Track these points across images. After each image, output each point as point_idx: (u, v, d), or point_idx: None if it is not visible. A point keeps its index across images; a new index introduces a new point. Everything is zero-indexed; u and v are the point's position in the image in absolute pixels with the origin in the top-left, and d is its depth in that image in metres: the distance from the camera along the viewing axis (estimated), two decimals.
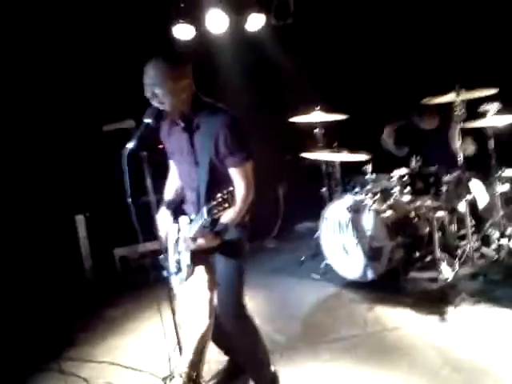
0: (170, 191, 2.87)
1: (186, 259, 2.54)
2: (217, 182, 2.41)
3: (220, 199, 2.11)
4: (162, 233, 2.69)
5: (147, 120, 2.38)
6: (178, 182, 2.83)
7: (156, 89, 2.37)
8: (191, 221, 2.47)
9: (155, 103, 2.41)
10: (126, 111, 4.79)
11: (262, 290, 4.27)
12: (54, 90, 5.06)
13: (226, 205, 2.11)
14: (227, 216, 2.39)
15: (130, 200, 2.32)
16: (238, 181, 2.47)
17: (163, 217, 2.73)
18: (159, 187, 2.78)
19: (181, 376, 1.50)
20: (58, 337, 4.01)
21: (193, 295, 1.55)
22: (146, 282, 4.42)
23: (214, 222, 2.31)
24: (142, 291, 4.53)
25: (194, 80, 2.50)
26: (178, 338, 2.49)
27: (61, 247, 5.01)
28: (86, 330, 4.10)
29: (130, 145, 2.30)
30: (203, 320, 1.51)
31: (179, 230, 2.62)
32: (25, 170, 4.97)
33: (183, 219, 2.58)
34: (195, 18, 5.01)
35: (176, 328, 2.48)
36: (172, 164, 2.86)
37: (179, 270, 2.59)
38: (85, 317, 4.39)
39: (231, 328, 2.60)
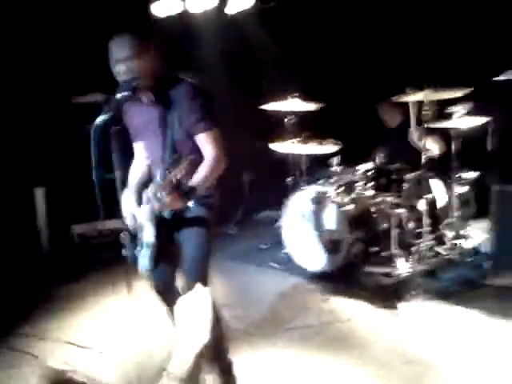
0: (134, 175, 2.80)
1: (148, 235, 2.52)
2: (188, 152, 2.44)
3: (171, 161, 2.20)
4: (126, 215, 2.62)
5: (121, 94, 2.33)
6: (144, 165, 2.78)
7: (130, 62, 2.36)
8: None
9: (127, 78, 2.38)
10: (94, 84, 4.67)
11: (220, 276, 4.27)
12: (22, 59, 4.88)
13: (176, 165, 2.18)
14: (195, 178, 2.41)
15: (95, 175, 2.27)
16: (207, 146, 2.50)
17: (128, 200, 2.65)
18: (125, 165, 2.73)
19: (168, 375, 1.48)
20: (11, 312, 3.92)
21: (193, 311, 1.53)
22: (104, 259, 4.46)
23: (178, 185, 2.28)
24: (100, 269, 4.48)
25: (162, 55, 2.50)
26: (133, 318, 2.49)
27: (18, 220, 4.87)
28: (40, 307, 4.02)
29: (102, 118, 2.24)
30: (203, 336, 1.49)
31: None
32: None
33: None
34: None
35: (131, 308, 2.47)
36: (137, 148, 2.82)
37: (141, 248, 2.56)
38: (40, 293, 4.30)
39: None
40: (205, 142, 2.51)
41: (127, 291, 2.44)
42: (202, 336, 1.49)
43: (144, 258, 2.58)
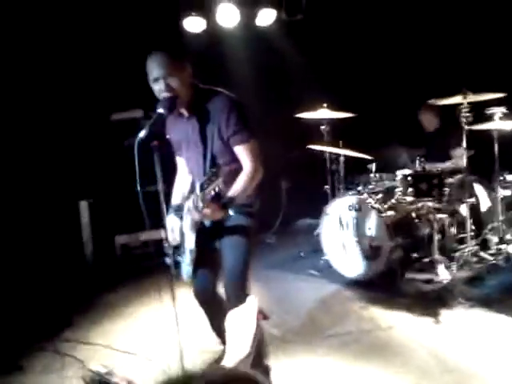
0: (177, 195, 2.86)
1: (190, 242, 2.58)
2: (227, 163, 2.53)
3: (210, 173, 2.22)
4: (170, 238, 2.65)
5: (160, 110, 2.42)
6: (187, 178, 2.85)
7: (167, 80, 2.45)
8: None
9: (166, 95, 2.47)
10: (135, 101, 4.83)
11: (258, 284, 4.27)
12: (64, 78, 5.09)
13: (214, 178, 2.20)
14: (232, 189, 2.47)
15: (139, 187, 2.36)
16: (244, 158, 2.56)
17: (172, 223, 2.70)
18: (167, 178, 2.81)
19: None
20: (55, 319, 4.07)
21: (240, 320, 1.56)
22: (147, 269, 4.58)
23: (217, 196, 2.34)
24: (142, 278, 4.60)
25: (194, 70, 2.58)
26: (177, 324, 2.55)
27: (64, 232, 5.06)
28: (83, 313, 4.16)
29: (142, 133, 2.33)
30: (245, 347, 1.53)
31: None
32: (34, 155, 5.01)
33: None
34: (206, 11, 5.03)
35: (176, 315, 2.54)
36: (180, 162, 2.90)
37: (184, 255, 2.63)
38: (83, 301, 4.45)
39: None
40: (242, 154, 2.57)
41: (170, 298, 2.52)
42: (245, 347, 1.52)
43: (186, 265, 2.65)
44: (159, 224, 2.56)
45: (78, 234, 5.22)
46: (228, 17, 5.06)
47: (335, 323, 3.64)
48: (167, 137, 2.78)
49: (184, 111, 2.63)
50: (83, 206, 5.24)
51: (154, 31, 4.70)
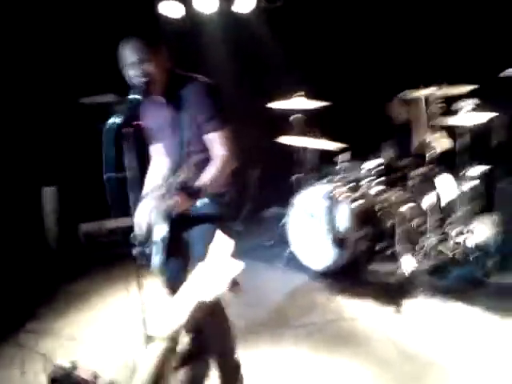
0: (150, 184, 2.80)
1: (160, 231, 2.53)
2: (199, 151, 2.54)
3: (180, 161, 2.27)
4: (138, 227, 2.58)
5: (136, 95, 2.36)
6: (161, 171, 2.79)
7: (141, 66, 2.42)
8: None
9: (141, 80, 2.42)
10: (105, 85, 4.70)
11: None
12: (29, 59, 4.92)
13: (186, 167, 2.24)
14: (202, 178, 2.45)
15: (109, 175, 2.30)
16: (216, 145, 2.55)
17: (142, 212, 2.60)
18: (140, 165, 2.75)
19: (164, 340, 1.49)
20: (18, 309, 3.98)
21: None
22: (114, 257, 4.49)
23: (186, 185, 2.35)
24: (109, 267, 4.53)
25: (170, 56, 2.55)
26: (143, 316, 2.52)
27: (27, 220, 4.92)
28: (46, 304, 4.08)
29: (115, 120, 2.26)
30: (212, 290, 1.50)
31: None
32: None
33: None
34: None
35: (143, 306, 2.51)
36: (153, 150, 2.84)
37: (153, 246, 2.59)
38: (47, 291, 4.36)
39: None
40: (214, 142, 2.55)
41: (137, 289, 2.49)
42: (211, 290, 1.47)
43: (155, 256, 2.62)
44: (127, 212, 2.51)
45: (42, 221, 5.08)
46: (206, 3, 4.96)
47: (300, 314, 3.69)
48: (141, 123, 2.71)
49: (159, 97, 2.59)
50: (47, 192, 5.10)
51: (127, 14, 4.58)
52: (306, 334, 3.39)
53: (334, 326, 3.49)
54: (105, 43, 2.92)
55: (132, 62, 2.42)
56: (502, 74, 4.00)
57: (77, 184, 5.07)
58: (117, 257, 4.10)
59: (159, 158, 2.83)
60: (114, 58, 2.49)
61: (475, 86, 4.12)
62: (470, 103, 4.20)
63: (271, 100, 4.78)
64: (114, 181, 2.28)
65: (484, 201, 4.68)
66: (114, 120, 2.25)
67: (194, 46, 5.24)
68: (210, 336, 2.73)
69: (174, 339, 1.45)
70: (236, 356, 2.77)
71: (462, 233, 4.47)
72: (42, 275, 4.62)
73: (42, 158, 5.01)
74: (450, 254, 4.32)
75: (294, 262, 4.53)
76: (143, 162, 2.87)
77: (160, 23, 4.96)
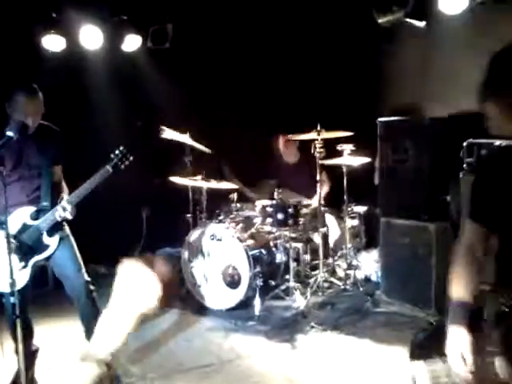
0: None
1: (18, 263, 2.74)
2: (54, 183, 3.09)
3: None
4: None
5: (11, 133, 2.44)
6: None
7: (36, 114, 2.89)
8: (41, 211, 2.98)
9: (20, 119, 2.70)
10: None
11: None
12: None
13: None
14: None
15: None
16: (61, 177, 3.24)
17: None
18: None
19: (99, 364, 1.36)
20: None
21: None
22: None
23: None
24: None
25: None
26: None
27: None
28: None
29: None
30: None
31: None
32: None
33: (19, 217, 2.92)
34: (68, 31, 4.79)
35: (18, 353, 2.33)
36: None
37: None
38: None
39: (83, 305, 3.01)
40: (61, 174, 3.20)
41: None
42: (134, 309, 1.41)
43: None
44: None
45: None
46: (91, 39, 4.87)
47: (196, 355, 3.60)
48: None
49: (24, 137, 2.78)
50: None
51: (11, 49, 4.44)
52: (202, 376, 3.31)
53: (230, 366, 3.44)
54: None
55: (33, 112, 2.88)
56: (378, 120, 4.37)
57: None
58: None
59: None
60: None
61: (352, 132, 4.47)
62: (348, 147, 4.54)
63: (161, 138, 4.68)
64: None
65: (367, 236, 5.01)
66: None
67: (77, 81, 5.11)
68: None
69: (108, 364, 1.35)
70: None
71: (350, 265, 4.71)
72: None
73: None
74: (342, 286, 4.51)
75: (189, 301, 4.43)
76: None
77: (43, 57, 4.78)
